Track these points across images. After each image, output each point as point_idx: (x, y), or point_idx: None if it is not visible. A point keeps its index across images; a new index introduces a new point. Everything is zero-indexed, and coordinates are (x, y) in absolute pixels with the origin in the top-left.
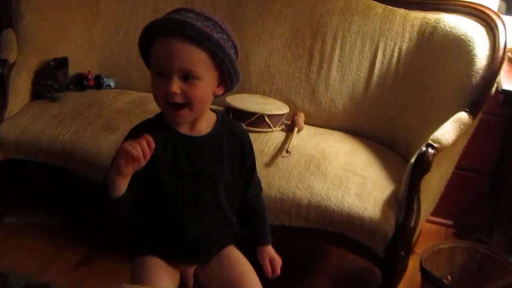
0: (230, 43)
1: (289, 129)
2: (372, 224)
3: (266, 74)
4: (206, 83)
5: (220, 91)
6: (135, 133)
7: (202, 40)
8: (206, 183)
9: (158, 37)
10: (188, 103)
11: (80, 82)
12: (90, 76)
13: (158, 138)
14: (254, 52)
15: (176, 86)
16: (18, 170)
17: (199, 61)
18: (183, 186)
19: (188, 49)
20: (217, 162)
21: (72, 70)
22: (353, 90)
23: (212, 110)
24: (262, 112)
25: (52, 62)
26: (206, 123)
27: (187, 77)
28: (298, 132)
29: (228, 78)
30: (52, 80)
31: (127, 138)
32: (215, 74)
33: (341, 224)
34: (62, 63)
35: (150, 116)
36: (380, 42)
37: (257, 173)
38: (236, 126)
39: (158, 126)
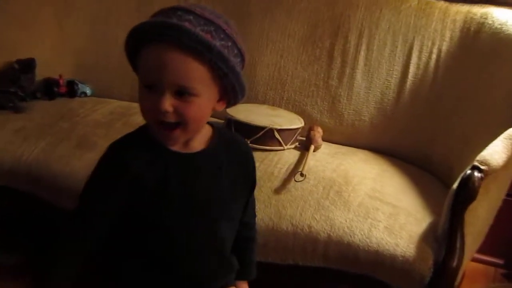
0: (235, 51)
1: (304, 147)
2: (406, 264)
3: (276, 80)
4: (204, 99)
5: (220, 107)
6: (115, 151)
7: (202, 51)
8: (202, 210)
9: (148, 43)
10: (181, 123)
11: (49, 89)
12: (61, 82)
13: (142, 157)
14: (262, 53)
15: (168, 103)
16: None
17: (197, 75)
18: (173, 215)
19: (185, 61)
20: (214, 184)
21: (40, 74)
22: (381, 100)
23: (207, 122)
24: (271, 126)
25: (15, 64)
26: (201, 137)
27: (182, 93)
28: (315, 151)
29: (231, 93)
30: (16, 86)
31: (104, 158)
32: (216, 88)
33: (367, 264)
34: (27, 65)
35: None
36: (415, 42)
37: (253, 197)
38: (237, 139)
39: (143, 142)
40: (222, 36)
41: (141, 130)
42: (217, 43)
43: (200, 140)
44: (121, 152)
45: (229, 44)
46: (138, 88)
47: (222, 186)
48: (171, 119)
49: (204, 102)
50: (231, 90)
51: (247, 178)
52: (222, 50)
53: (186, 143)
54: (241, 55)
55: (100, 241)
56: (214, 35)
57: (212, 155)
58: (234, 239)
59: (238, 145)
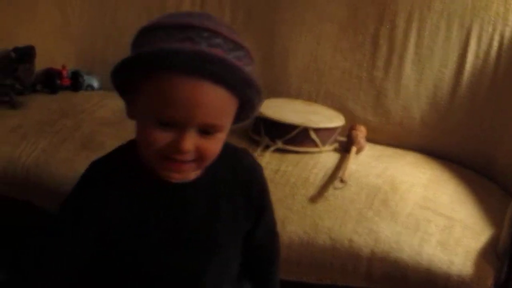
0: (254, 67)
1: (345, 149)
2: (462, 285)
3: (311, 71)
4: (226, 131)
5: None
6: (93, 173)
7: (243, 88)
8: (190, 253)
9: (164, 72)
10: (198, 159)
11: (50, 81)
12: (64, 73)
13: (121, 184)
14: (295, 41)
15: (191, 142)
16: None
17: (230, 111)
18: (149, 253)
19: (221, 97)
20: (207, 220)
21: (40, 64)
22: (434, 94)
23: None
24: (306, 124)
25: (12, 53)
26: None
27: (208, 131)
28: (357, 153)
29: (246, 118)
30: (12, 78)
31: (82, 176)
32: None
33: (417, 285)
34: (26, 54)
35: None
36: (473, 27)
37: (271, 215)
38: (242, 157)
39: (127, 165)
40: (249, 61)
41: (129, 148)
42: (249, 71)
43: None
44: (99, 175)
45: (252, 66)
46: (138, 119)
47: (220, 216)
48: (189, 158)
49: (225, 134)
50: (247, 117)
51: (250, 206)
52: (255, 80)
53: None
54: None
55: (72, 266)
56: (245, 62)
57: (209, 183)
58: (249, 264)
59: (243, 166)
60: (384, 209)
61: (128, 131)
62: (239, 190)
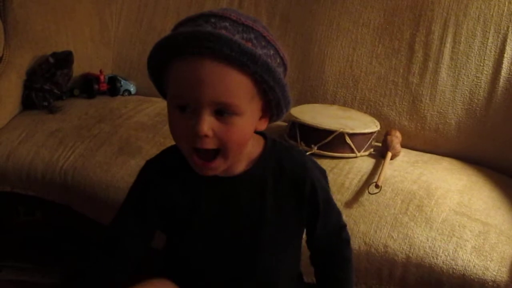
0: (278, 60)
1: (380, 155)
2: None
3: (347, 76)
4: (247, 119)
5: (262, 126)
6: (146, 171)
7: (246, 63)
8: (237, 240)
9: (178, 57)
10: (222, 150)
11: (88, 86)
12: (102, 78)
13: (173, 180)
14: (331, 46)
15: (207, 125)
16: (1, 207)
17: (240, 90)
18: (203, 243)
19: (226, 74)
20: (256, 211)
21: (78, 70)
22: (470, 100)
23: (258, 132)
24: (341, 129)
25: (50, 58)
26: (244, 156)
27: (222, 112)
28: (392, 158)
29: (276, 109)
30: (51, 83)
31: (138, 176)
32: (258, 105)
33: None
34: (64, 59)
35: None
36: (510, 32)
37: (335, 209)
38: (292, 154)
39: (177, 161)
40: (263, 43)
41: (174, 147)
42: (260, 52)
43: (243, 160)
44: (152, 173)
45: (272, 52)
46: (167, 111)
47: (267, 211)
48: (211, 146)
49: (247, 122)
50: (275, 106)
51: (301, 203)
52: (267, 59)
53: None
54: (283, 64)
55: (130, 262)
56: (255, 43)
57: (256, 178)
58: (320, 265)
59: (293, 161)
60: (419, 214)
61: (164, 135)
62: (287, 187)
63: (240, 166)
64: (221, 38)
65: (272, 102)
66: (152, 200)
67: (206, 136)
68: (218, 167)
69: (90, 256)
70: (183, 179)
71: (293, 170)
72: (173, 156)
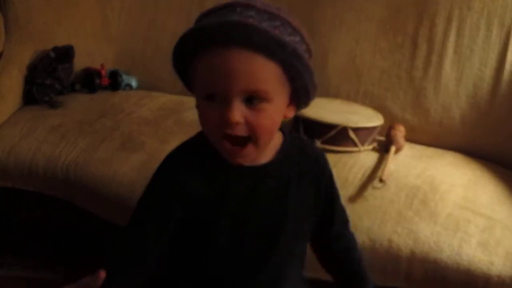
0: (304, 47)
1: (384, 149)
2: (502, 285)
3: (350, 70)
4: (276, 106)
5: (290, 113)
6: (169, 167)
7: (274, 50)
8: (261, 231)
9: (206, 49)
10: (253, 136)
11: (89, 81)
12: (103, 73)
13: (199, 173)
14: (334, 40)
15: (238, 113)
16: (2, 203)
17: (269, 77)
18: (230, 235)
19: (255, 62)
20: (279, 203)
21: (79, 64)
22: (474, 93)
23: None
24: (345, 124)
25: (51, 53)
26: (268, 148)
27: (252, 99)
28: (396, 152)
29: (304, 96)
30: (52, 78)
31: (158, 173)
32: (286, 92)
33: (456, 285)
34: (65, 54)
35: (187, 129)
36: None
37: (342, 204)
38: (309, 147)
39: (201, 154)
40: (289, 31)
41: (199, 138)
42: (287, 39)
43: (266, 151)
44: (176, 168)
45: (298, 39)
46: (196, 103)
47: (289, 204)
48: (242, 132)
49: (276, 109)
50: (303, 93)
51: (318, 195)
52: (295, 45)
53: None
54: (309, 50)
55: (150, 265)
56: (282, 31)
57: (280, 169)
58: (332, 259)
59: (311, 154)
60: (423, 209)
61: (167, 130)
62: (307, 180)
63: (264, 157)
64: (249, 27)
65: (300, 89)
66: (176, 198)
67: (237, 123)
68: (249, 154)
69: (109, 263)
70: (208, 171)
71: (311, 163)
72: (196, 149)
